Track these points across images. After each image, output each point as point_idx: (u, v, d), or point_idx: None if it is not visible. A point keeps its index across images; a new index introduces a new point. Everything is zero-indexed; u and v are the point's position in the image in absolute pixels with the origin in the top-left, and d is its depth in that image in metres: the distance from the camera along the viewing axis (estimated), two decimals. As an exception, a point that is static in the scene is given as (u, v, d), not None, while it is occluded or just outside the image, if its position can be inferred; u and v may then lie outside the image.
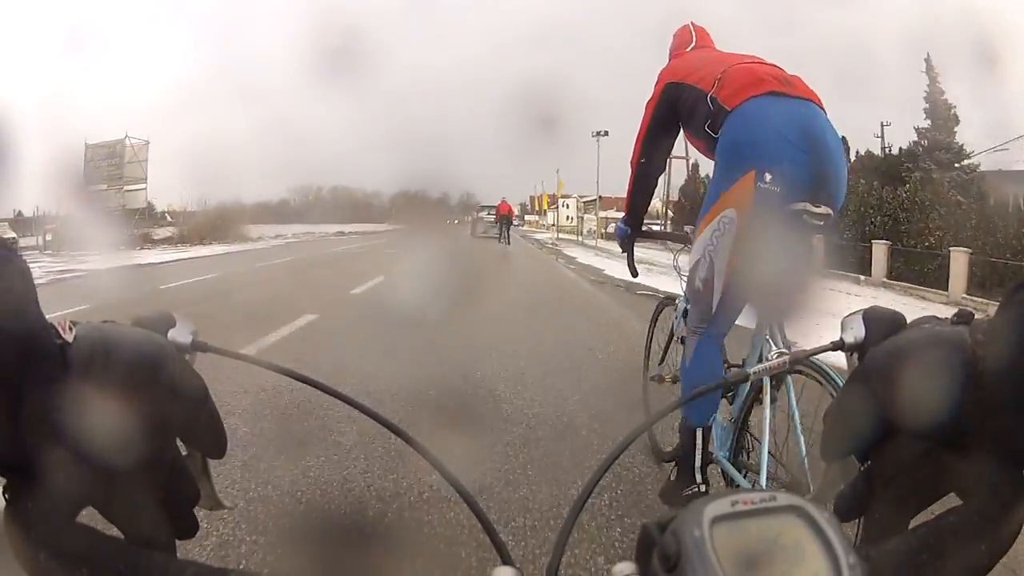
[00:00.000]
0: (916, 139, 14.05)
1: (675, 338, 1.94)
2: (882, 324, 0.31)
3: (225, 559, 1.49)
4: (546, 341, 4.35)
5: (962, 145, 13.65)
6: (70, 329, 0.26)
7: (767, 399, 1.32)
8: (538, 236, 29.73)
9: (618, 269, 8.11)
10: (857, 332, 0.32)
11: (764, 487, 0.87)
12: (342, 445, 2.20)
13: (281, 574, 1.46)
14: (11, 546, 0.24)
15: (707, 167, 1.74)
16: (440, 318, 4.59)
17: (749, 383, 1.46)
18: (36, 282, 0.25)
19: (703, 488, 1.56)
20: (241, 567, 1.23)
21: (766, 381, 1.35)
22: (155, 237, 18.24)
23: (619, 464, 1.92)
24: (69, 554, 0.24)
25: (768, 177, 1.33)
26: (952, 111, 13.82)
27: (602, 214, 25.84)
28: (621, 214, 1.99)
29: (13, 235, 14.26)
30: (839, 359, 0.36)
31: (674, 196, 21.50)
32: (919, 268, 10.60)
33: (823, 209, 1.35)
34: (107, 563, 0.25)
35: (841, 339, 0.33)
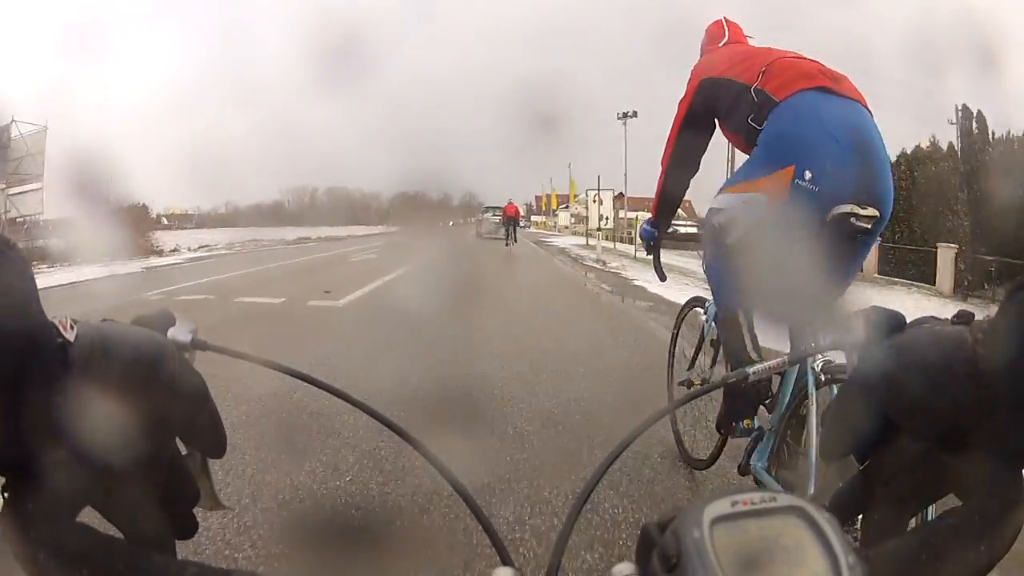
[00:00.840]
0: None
1: (706, 341, 1.86)
2: (882, 324, 0.31)
3: (226, 559, 1.49)
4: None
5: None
6: (71, 327, 0.26)
7: (813, 407, 1.25)
8: (558, 242, 21.95)
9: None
10: (857, 332, 0.32)
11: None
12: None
13: (281, 574, 1.46)
14: (11, 546, 0.24)
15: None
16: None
17: (790, 391, 1.40)
18: None
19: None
20: (241, 567, 1.23)
21: (812, 388, 1.28)
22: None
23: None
24: (69, 554, 0.24)
25: (808, 176, 1.27)
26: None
27: (630, 214, 23.45)
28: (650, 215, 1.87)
29: None
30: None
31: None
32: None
33: (870, 211, 1.28)
34: (107, 563, 0.25)
35: (841, 339, 0.33)
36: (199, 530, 0.31)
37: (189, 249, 15.95)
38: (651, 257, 1.94)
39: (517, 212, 19.97)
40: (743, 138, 1.47)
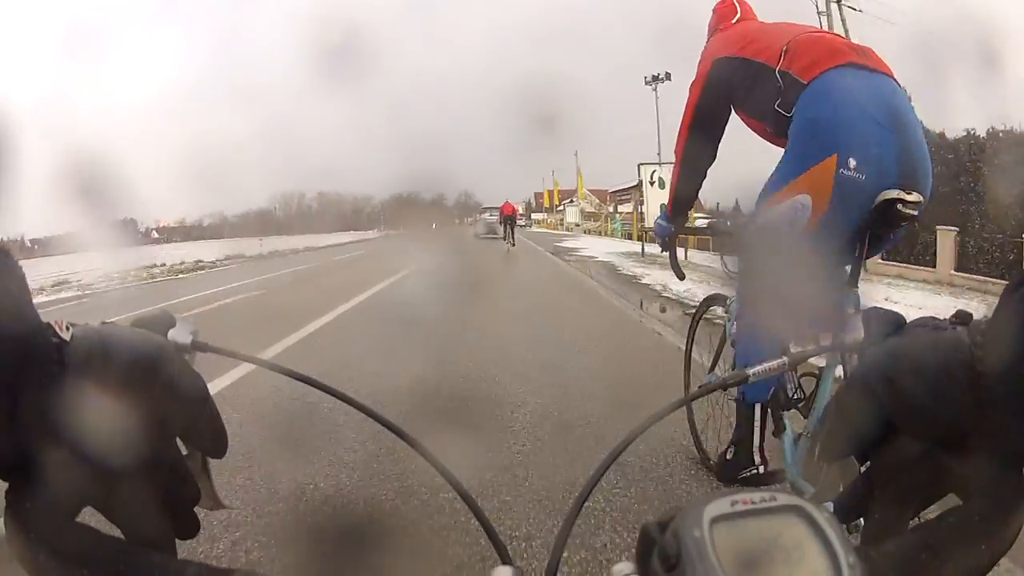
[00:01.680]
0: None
1: (727, 341, 1.74)
2: (881, 324, 0.31)
3: (225, 558, 1.49)
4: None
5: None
6: (67, 328, 0.26)
7: None
8: (582, 247, 16.38)
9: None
10: (856, 333, 0.32)
11: None
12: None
13: (282, 574, 1.46)
14: (11, 546, 0.24)
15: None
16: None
17: (827, 393, 1.32)
18: None
19: (761, 469, 1.42)
20: (241, 567, 1.23)
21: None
22: None
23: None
24: (69, 554, 0.24)
25: (852, 163, 1.17)
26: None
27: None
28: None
29: None
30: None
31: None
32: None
33: (914, 196, 1.19)
34: (107, 563, 0.25)
35: (840, 340, 0.33)
36: (199, 530, 0.31)
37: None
38: (667, 254, 1.79)
39: (514, 211, 20.27)
40: (769, 126, 1.36)
